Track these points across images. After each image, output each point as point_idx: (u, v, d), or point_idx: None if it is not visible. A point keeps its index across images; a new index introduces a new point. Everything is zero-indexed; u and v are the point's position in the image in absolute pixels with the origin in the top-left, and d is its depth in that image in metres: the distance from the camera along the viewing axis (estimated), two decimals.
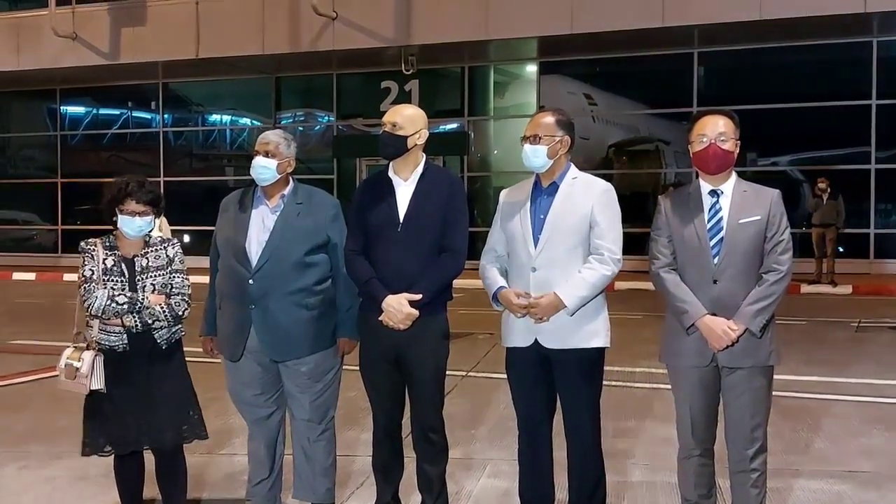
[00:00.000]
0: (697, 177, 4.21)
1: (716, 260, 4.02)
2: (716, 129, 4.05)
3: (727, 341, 3.96)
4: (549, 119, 4.30)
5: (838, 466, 5.79)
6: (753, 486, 4.11)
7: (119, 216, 4.21)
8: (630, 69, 21.36)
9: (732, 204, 4.06)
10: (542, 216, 4.28)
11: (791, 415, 6.99)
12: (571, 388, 4.30)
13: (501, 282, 4.30)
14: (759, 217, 4.00)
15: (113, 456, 4.43)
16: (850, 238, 18.74)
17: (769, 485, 5.05)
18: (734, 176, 4.16)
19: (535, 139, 4.25)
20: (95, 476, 5.54)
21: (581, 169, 4.46)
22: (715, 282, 4.02)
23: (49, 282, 20.46)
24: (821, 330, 11.75)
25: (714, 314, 4.00)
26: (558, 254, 4.22)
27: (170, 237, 4.53)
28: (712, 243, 4.04)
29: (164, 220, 15.77)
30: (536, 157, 4.26)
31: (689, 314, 4.02)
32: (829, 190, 17.02)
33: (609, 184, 4.39)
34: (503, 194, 4.51)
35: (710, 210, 4.09)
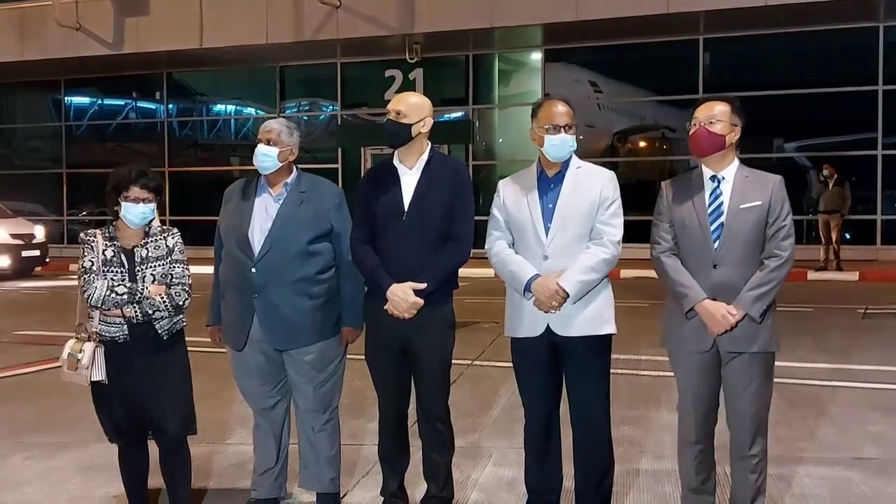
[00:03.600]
0: (701, 164, 4.20)
1: (716, 245, 4.02)
2: (707, 113, 4.07)
3: (726, 326, 3.96)
4: (569, 108, 4.30)
5: (845, 453, 5.77)
6: (752, 471, 4.12)
7: (123, 203, 4.19)
8: (635, 56, 21.31)
9: (734, 189, 4.06)
10: (550, 205, 4.27)
11: (797, 402, 6.98)
12: (581, 376, 4.30)
13: (533, 270, 4.23)
14: (759, 203, 4.00)
15: (117, 446, 4.43)
16: (856, 224, 18.71)
17: (776, 471, 5.07)
18: (736, 162, 4.14)
19: (568, 129, 4.25)
20: (101, 466, 5.55)
21: (587, 157, 4.45)
22: (715, 267, 4.02)
23: (55, 272, 20.47)
24: (827, 316, 11.72)
25: (714, 299, 3.99)
26: (569, 242, 4.22)
27: (169, 227, 4.49)
28: (712, 228, 4.04)
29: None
30: (572, 146, 4.28)
31: (689, 298, 4.03)
32: (835, 176, 16.99)
33: (611, 171, 4.40)
34: (504, 183, 4.48)
35: (710, 195, 4.09)
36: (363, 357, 4.59)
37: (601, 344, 4.29)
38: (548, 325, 4.24)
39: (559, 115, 4.26)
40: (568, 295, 4.14)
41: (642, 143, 22.57)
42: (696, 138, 4.09)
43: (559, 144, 4.24)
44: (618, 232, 4.24)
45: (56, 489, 5.27)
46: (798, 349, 8.82)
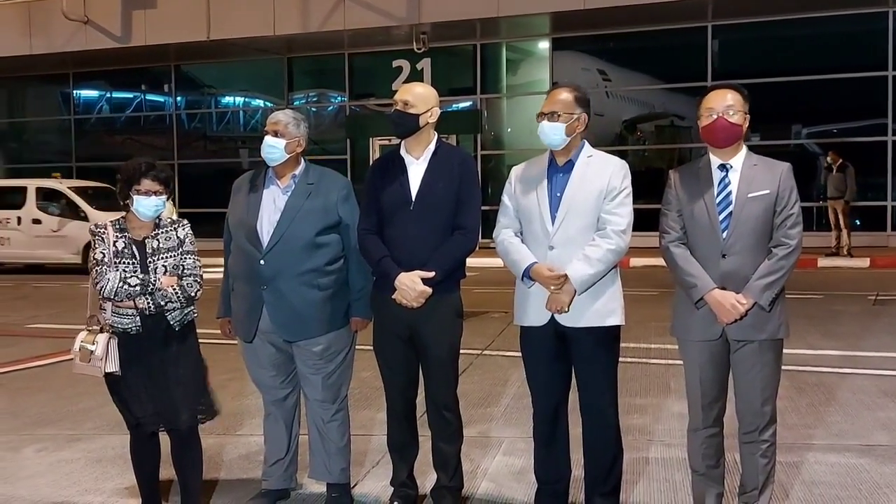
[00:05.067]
0: (707, 152, 4.18)
1: (724, 234, 4.01)
2: (723, 103, 4.02)
3: (736, 315, 3.95)
4: (567, 96, 4.25)
5: (855, 440, 5.76)
6: (763, 455, 4.12)
7: (135, 197, 4.20)
8: (644, 44, 21.27)
9: (742, 178, 4.04)
10: (558, 194, 4.25)
11: (808, 389, 6.96)
12: (588, 366, 4.29)
13: (532, 257, 4.22)
14: (768, 191, 3.98)
15: (129, 438, 4.45)
16: (867, 211, 18.66)
17: (785, 459, 5.08)
18: (744, 150, 4.12)
19: (553, 116, 4.21)
20: (112, 458, 5.58)
21: (595, 145, 4.44)
22: (724, 256, 4.01)
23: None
24: (837, 303, 11.69)
25: (723, 288, 3.98)
26: (575, 232, 4.19)
27: (180, 219, 4.50)
28: (721, 217, 4.02)
29: (170, 203, 15.76)
30: (555, 134, 4.22)
31: (698, 288, 4.01)
32: (839, 162, 17.10)
33: (624, 161, 4.36)
34: (515, 170, 4.47)
35: (719, 184, 4.07)
36: (371, 348, 4.60)
37: (607, 335, 4.27)
38: (553, 315, 4.23)
39: (549, 102, 4.25)
40: (567, 282, 4.12)
41: (651, 132, 22.52)
42: (715, 129, 4.04)
43: (544, 132, 4.23)
44: (622, 221, 4.18)
45: (68, 481, 5.30)
46: (808, 336, 8.81)
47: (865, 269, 16.29)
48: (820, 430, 6.00)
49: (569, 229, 4.20)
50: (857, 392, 6.96)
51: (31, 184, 19.12)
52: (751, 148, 4.18)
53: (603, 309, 4.23)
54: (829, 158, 17.27)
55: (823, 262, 16.49)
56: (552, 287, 4.15)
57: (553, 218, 4.22)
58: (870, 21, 19.03)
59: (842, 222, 17.08)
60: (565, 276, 4.13)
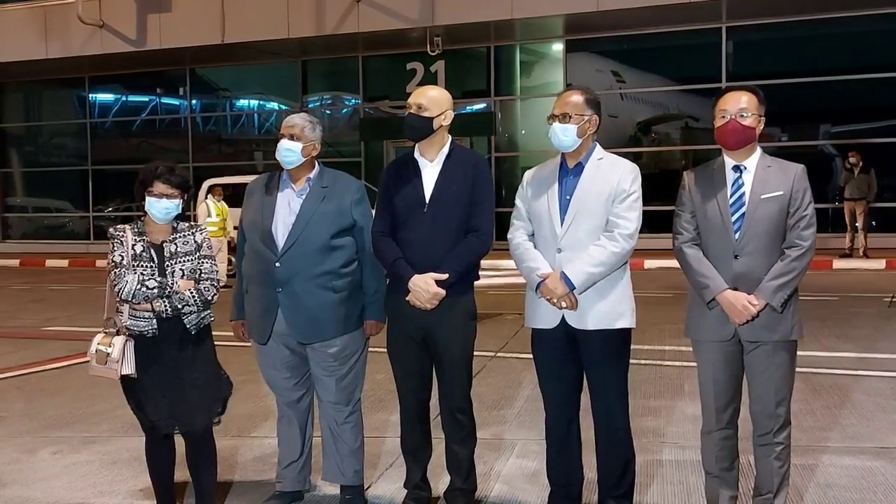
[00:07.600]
0: (722, 153, 4.18)
1: (737, 235, 4.02)
2: (737, 105, 4.03)
3: (747, 316, 3.95)
4: (578, 98, 4.26)
5: (870, 443, 5.74)
6: (777, 458, 4.12)
7: (147, 199, 4.23)
8: (658, 45, 21.20)
9: (755, 179, 4.05)
10: (567, 197, 4.25)
11: (822, 391, 6.93)
12: (598, 369, 4.29)
13: (547, 268, 4.22)
14: (781, 192, 3.98)
15: (144, 440, 4.47)
16: (883, 212, 18.56)
17: (800, 461, 5.06)
18: (758, 151, 4.12)
19: (564, 118, 4.21)
20: (128, 460, 5.61)
21: (610, 147, 4.43)
22: (736, 257, 4.01)
23: (82, 268, 20.63)
24: (853, 305, 11.63)
25: (735, 289, 3.98)
26: (583, 234, 4.19)
27: (197, 224, 4.52)
28: (734, 218, 4.03)
29: (210, 205, 15.48)
30: (566, 136, 4.22)
31: (710, 289, 4.02)
32: (860, 164, 16.99)
33: (634, 164, 4.35)
34: (528, 174, 4.48)
35: (732, 185, 4.08)
36: (385, 350, 4.61)
37: (617, 338, 4.26)
38: (563, 318, 4.23)
39: (560, 104, 4.26)
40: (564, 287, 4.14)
41: (665, 133, 22.47)
42: (727, 132, 4.05)
43: (555, 134, 4.23)
44: (631, 225, 4.17)
45: (83, 483, 5.33)
46: (823, 338, 8.78)
47: (881, 270, 16.21)
48: (835, 432, 5.98)
49: (577, 232, 4.20)
50: (873, 394, 6.93)
51: None
52: (767, 150, 4.17)
53: (612, 311, 4.23)
54: (851, 160, 17.16)
55: (838, 263, 16.42)
56: (563, 304, 4.16)
57: (562, 221, 4.23)
58: (886, 21, 18.90)
59: (860, 223, 17.03)
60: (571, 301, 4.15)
